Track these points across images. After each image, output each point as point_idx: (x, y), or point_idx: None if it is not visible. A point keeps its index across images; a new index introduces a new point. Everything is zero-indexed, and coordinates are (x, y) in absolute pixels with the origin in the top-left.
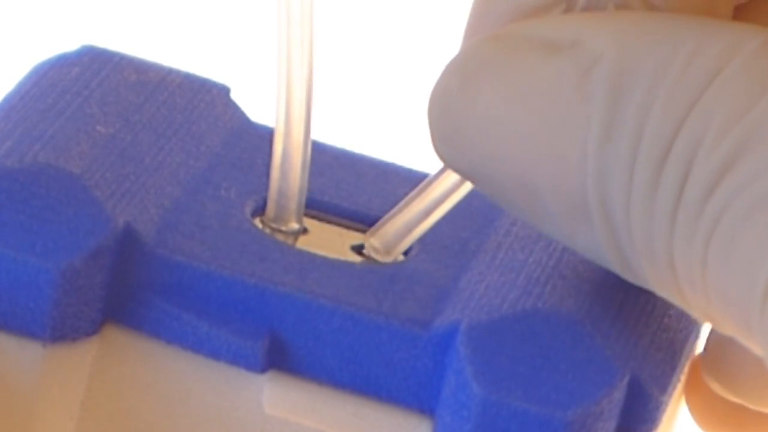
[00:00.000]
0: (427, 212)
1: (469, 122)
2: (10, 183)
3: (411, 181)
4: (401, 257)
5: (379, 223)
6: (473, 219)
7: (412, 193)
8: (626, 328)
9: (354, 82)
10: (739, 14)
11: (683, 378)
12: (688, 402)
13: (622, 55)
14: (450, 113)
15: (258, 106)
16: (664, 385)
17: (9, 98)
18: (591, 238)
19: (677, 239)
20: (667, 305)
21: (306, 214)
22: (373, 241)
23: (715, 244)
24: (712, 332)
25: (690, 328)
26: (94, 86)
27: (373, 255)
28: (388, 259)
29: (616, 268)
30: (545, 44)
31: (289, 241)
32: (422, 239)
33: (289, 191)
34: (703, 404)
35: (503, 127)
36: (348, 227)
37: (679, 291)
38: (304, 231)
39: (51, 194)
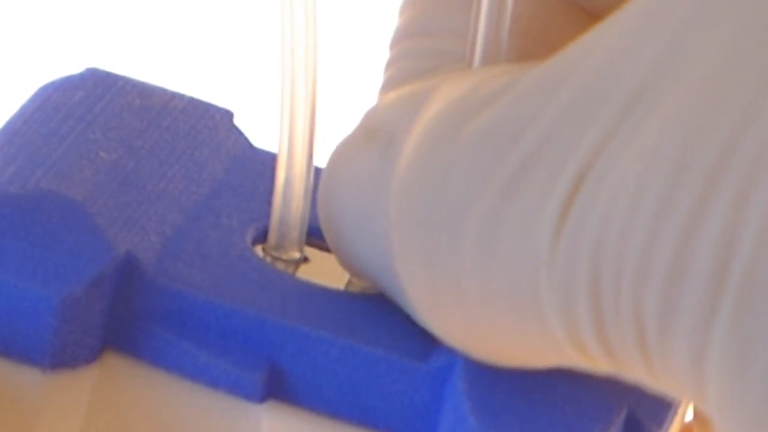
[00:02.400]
0: None
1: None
2: (11, 209)
3: None
4: None
5: None
6: None
7: None
8: None
9: (357, 109)
10: None
11: (679, 419)
12: None
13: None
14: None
15: (261, 131)
16: (660, 421)
17: (12, 121)
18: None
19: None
20: None
21: (307, 243)
22: None
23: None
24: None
25: None
26: (97, 111)
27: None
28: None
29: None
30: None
31: (290, 269)
32: None
33: (291, 220)
34: None
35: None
36: None
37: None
38: (305, 260)
39: (52, 221)
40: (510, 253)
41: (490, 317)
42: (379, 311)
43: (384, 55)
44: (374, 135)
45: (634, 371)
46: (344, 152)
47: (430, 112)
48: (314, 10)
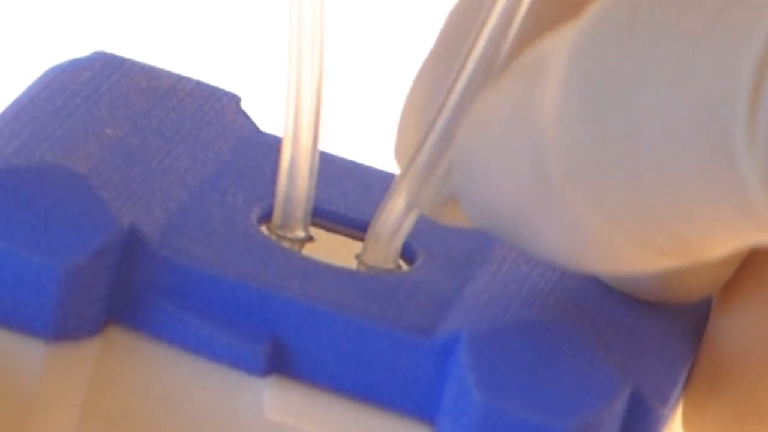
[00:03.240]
0: (408, 209)
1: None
2: (16, 181)
3: None
4: (404, 266)
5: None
6: (479, 231)
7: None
8: (629, 341)
9: (363, 92)
10: None
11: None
12: None
13: None
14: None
15: (268, 116)
16: (665, 398)
17: (19, 100)
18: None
19: None
20: (670, 320)
21: (312, 223)
22: (372, 248)
23: None
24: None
25: (693, 343)
26: (104, 90)
27: (374, 263)
28: (389, 267)
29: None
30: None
31: (295, 248)
32: (428, 250)
33: (296, 198)
34: None
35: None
36: (354, 237)
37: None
38: (310, 239)
39: (57, 193)
40: (703, 88)
41: (664, 177)
42: (383, 288)
43: (388, 37)
44: (523, 71)
45: None
46: (489, 96)
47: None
48: None
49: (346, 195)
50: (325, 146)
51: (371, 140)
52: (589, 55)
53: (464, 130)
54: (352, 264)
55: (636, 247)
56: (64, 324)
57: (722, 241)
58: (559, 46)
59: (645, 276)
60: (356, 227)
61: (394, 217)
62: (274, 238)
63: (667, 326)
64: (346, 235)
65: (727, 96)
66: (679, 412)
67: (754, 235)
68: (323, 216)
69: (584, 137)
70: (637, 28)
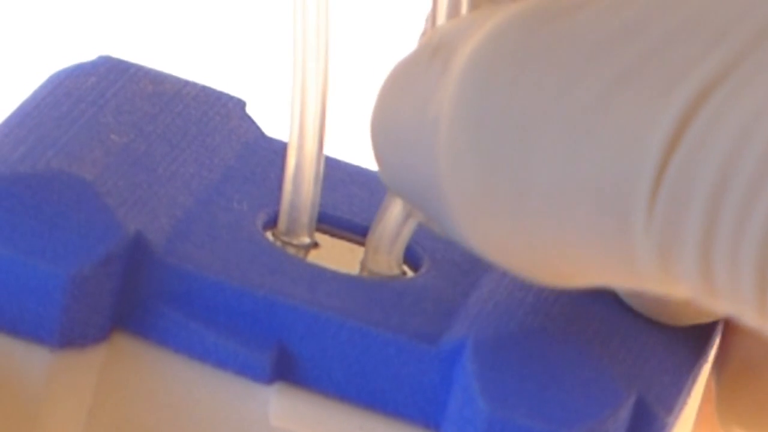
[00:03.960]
0: (406, 217)
1: None
2: (22, 188)
3: None
4: (409, 272)
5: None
6: None
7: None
8: (634, 349)
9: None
10: None
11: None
12: None
13: None
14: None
15: (273, 121)
16: (670, 407)
17: (24, 105)
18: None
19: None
20: (675, 328)
21: (318, 229)
22: (375, 255)
23: None
24: (724, 373)
25: (699, 352)
26: (109, 96)
27: (379, 270)
28: (394, 274)
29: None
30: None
31: (300, 254)
32: (433, 256)
33: (301, 204)
34: None
35: None
36: (359, 243)
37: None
38: (315, 245)
39: (63, 200)
40: (601, 160)
41: (552, 226)
42: (388, 295)
43: (394, 41)
44: (437, 51)
45: (725, 298)
46: (404, 68)
47: (497, 18)
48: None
49: (351, 200)
50: (330, 151)
51: None
52: (476, 95)
53: (382, 92)
54: (357, 270)
55: (519, 270)
56: (70, 331)
57: (601, 283)
58: (459, 57)
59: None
60: (361, 233)
61: (393, 225)
62: (279, 244)
63: (672, 334)
64: (352, 241)
65: (626, 170)
66: (683, 419)
67: (638, 287)
68: (328, 222)
69: (471, 173)
70: (527, 78)
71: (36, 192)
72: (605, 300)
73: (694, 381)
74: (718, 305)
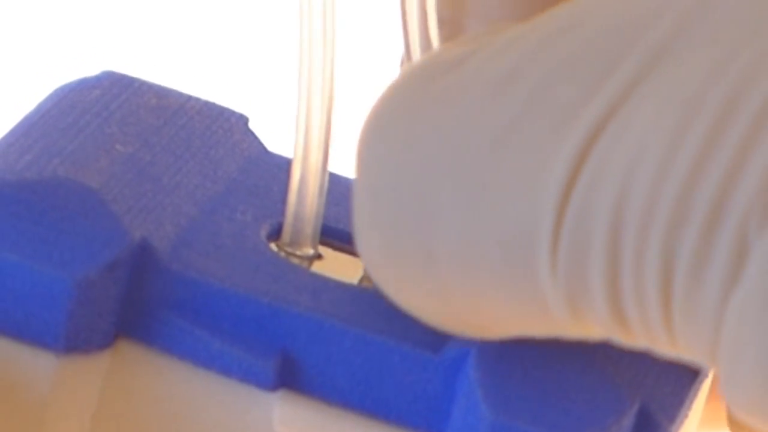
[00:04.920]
0: None
1: None
2: (28, 195)
3: None
4: None
5: None
6: None
7: None
8: (637, 357)
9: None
10: None
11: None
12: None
13: None
14: None
15: (276, 139)
16: (673, 416)
17: (29, 116)
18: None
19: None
20: None
21: (321, 242)
22: None
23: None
24: None
25: None
26: (114, 108)
27: None
28: None
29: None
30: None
31: (304, 265)
32: None
33: (305, 215)
34: None
35: None
36: None
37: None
38: (319, 257)
39: (68, 207)
40: (500, 213)
41: (464, 284)
42: (392, 303)
43: (400, 58)
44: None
45: (639, 333)
46: None
47: (395, 79)
48: (333, 9)
49: None
50: (334, 166)
51: None
52: (372, 170)
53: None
54: (359, 281)
55: (442, 327)
56: (75, 337)
57: (521, 332)
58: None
59: None
60: None
61: None
62: (283, 254)
63: None
64: (355, 254)
65: (526, 221)
66: (685, 429)
67: (556, 334)
68: (332, 235)
69: (377, 236)
70: (420, 135)
71: (42, 199)
72: None
73: (697, 390)
74: (634, 341)
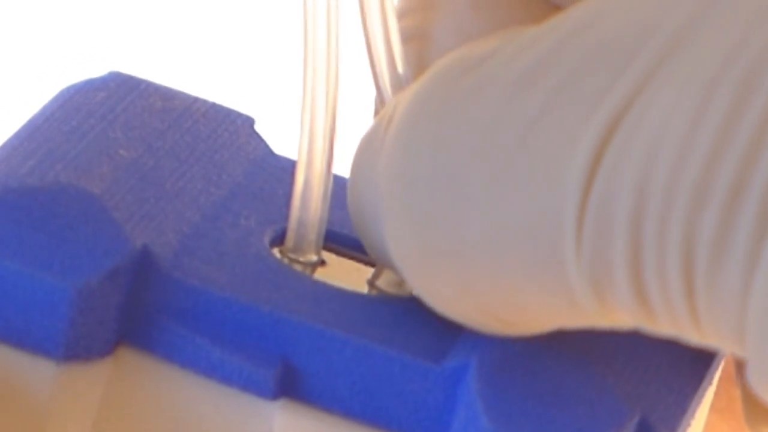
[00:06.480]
0: None
1: None
2: (30, 201)
3: None
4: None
5: None
6: None
7: None
8: (638, 369)
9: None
10: None
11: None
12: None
13: None
14: None
15: (282, 141)
16: (673, 427)
17: (34, 120)
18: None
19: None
20: (679, 348)
21: (325, 248)
22: (383, 273)
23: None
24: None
25: (703, 373)
26: (118, 111)
27: (385, 288)
28: (401, 292)
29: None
30: None
31: (307, 272)
32: None
33: (309, 221)
34: None
35: None
36: (366, 262)
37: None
38: (322, 263)
39: (70, 214)
40: (527, 199)
41: (491, 273)
42: (394, 313)
43: None
44: (391, 120)
45: (663, 319)
46: (365, 143)
47: (422, 77)
48: (337, 13)
49: None
50: (339, 170)
51: None
52: (404, 153)
53: (351, 170)
54: (364, 289)
55: (471, 323)
56: (76, 344)
57: (552, 326)
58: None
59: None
60: (369, 253)
61: None
62: (286, 261)
63: (676, 354)
64: (359, 260)
65: (551, 206)
66: None
67: (582, 324)
68: (336, 240)
69: (408, 232)
70: (451, 129)
71: (43, 205)
72: None
73: (698, 402)
74: (659, 328)
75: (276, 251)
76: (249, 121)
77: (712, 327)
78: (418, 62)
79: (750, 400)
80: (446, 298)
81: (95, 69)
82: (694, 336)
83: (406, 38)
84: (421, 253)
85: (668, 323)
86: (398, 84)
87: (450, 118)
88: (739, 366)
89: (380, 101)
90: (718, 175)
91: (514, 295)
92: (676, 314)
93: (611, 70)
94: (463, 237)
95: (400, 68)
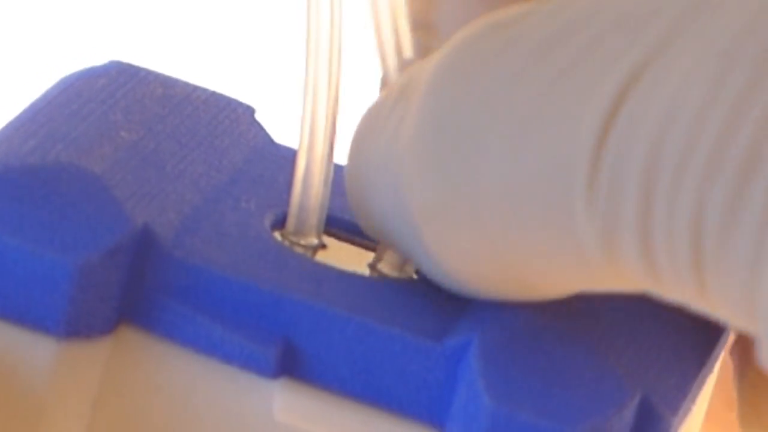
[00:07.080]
0: None
1: None
2: (31, 180)
3: None
4: (414, 275)
5: None
6: None
7: None
8: (640, 349)
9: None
10: None
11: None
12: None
13: None
14: None
15: (283, 131)
16: (675, 408)
17: (35, 104)
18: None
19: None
20: (682, 328)
21: (326, 232)
22: (385, 256)
23: None
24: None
25: (706, 354)
26: (119, 96)
27: (386, 270)
28: (402, 276)
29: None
30: None
31: (308, 254)
32: None
33: (310, 205)
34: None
35: None
36: (367, 247)
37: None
38: (323, 246)
39: (71, 192)
40: (545, 149)
41: (507, 223)
42: (396, 293)
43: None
44: (401, 94)
45: (670, 283)
46: (371, 117)
47: (452, 40)
48: (340, 1)
49: None
50: (340, 157)
51: None
52: (436, 104)
53: (353, 144)
54: (365, 272)
55: (487, 285)
56: (76, 322)
57: (565, 288)
58: (423, 80)
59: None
60: (370, 238)
61: None
62: (287, 244)
63: (679, 335)
64: (359, 245)
65: (567, 157)
66: (690, 422)
67: (593, 286)
68: (337, 225)
69: (432, 183)
70: (479, 81)
71: (45, 183)
72: (613, 299)
73: (701, 384)
74: (667, 293)
75: (277, 234)
76: (249, 110)
77: (720, 296)
78: (422, 52)
79: (746, 402)
80: (460, 253)
81: (96, 61)
82: (701, 304)
83: (411, 28)
84: (442, 204)
85: (674, 288)
86: (404, 68)
87: (482, 69)
88: (739, 366)
89: (385, 83)
90: (733, 145)
91: (526, 248)
92: (683, 280)
93: (633, 31)
94: (483, 184)
95: (407, 53)
